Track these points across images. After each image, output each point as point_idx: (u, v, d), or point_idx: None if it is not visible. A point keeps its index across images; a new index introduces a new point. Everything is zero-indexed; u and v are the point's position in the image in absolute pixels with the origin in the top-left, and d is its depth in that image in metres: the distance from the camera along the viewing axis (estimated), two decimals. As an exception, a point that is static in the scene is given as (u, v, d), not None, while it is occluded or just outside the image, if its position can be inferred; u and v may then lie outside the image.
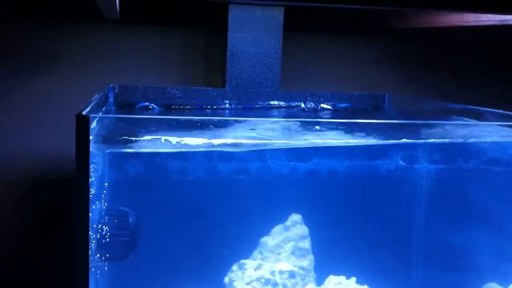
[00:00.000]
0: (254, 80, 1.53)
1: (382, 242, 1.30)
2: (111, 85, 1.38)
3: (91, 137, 0.80)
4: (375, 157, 1.27)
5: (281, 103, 1.53)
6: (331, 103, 1.53)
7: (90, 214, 0.81)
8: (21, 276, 1.54)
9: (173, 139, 0.82)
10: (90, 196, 0.80)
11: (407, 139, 1.13)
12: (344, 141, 1.01)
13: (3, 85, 1.47)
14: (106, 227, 0.91)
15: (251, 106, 1.50)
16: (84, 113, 0.81)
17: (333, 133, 1.12)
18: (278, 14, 1.53)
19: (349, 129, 1.14)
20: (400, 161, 1.27)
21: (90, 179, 0.80)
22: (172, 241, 1.24)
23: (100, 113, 0.86)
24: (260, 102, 1.52)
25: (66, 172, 1.46)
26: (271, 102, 1.53)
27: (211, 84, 1.58)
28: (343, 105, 1.54)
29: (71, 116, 1.54)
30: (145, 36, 1.55)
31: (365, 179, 1.28)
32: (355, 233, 1.30)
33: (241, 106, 1.49)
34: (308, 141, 0.98)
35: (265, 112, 1.48)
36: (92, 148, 0.81)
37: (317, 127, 1.08)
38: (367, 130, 1.16)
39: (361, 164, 1.27)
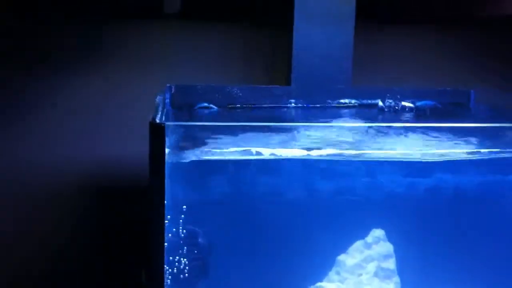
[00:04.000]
0: (323, 76, 1.38)
1: (482, 269, 1.12)
2: (168, 85, 1.25)
3: (167, 150, 0.65)
4: (485, 170, 1.09)
5: (353, 101, 1.37)
6: (410, 101, 1.36)
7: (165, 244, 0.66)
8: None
9: (265, 151, 0.67)
10: (166, 221, 0.66)
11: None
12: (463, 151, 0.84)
13: (52, 83, 1.38)
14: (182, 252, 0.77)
15: (318, 105, 1.34)
16: (158, 120, 0.66)
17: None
18: (349, 1, 1.37)
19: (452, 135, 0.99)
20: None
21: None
22: (243, 262, 1.10)
23: (181, 122, 0.72)
24: (330, 101, 1.37)
25: (123, 178, 1.41)
26: (342, 101, 1.37)
27: (274, 82, 1.45)
28: (423, 102, 1.37)
29: (127, 117, 1.45)
30: (202, 31, 1.44)
31: (467, 194, 1.10)
32: (450, 254, 1.13)
33: (306, 105, 1.34)
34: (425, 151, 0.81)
35: (336, 111, 1.32)
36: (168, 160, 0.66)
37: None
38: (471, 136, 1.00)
39: (464, 177, 1.09)
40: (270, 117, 1.14)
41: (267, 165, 1.03)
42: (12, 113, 1.37)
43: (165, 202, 0.65)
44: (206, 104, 1.31)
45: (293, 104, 1.36)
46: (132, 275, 1.36)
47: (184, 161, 0.69)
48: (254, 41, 1.47)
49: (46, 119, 1.38)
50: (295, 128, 0.81)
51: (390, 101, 1.33)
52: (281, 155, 0.84)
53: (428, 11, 1.50)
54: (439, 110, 1.33)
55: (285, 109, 1.28)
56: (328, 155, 0.84)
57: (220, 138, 0.71)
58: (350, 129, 0.90)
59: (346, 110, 1.32)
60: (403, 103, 1.33)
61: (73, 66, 1.38)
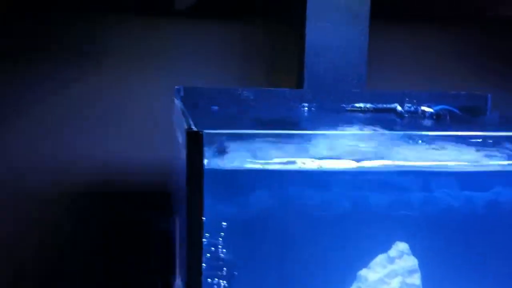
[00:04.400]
0: (336, 79, 1.31)
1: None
2: (176, 87, 1.18)
3: (205, 161, 0.56)
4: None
5: (368, 105, 1.30)
6: (428, 105, 1.30)
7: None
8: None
9: (312, 163, 0.59)
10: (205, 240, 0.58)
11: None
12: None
13: (52, 84, 1.35)
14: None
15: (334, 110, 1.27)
16: (194, 128, 0.57)
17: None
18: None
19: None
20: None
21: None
22: (259, 276, 1.03)
23: (221, 129, 0.63)
24: (344, 105, 1.30)
25: (124, 178, 1.40)
26: (356, 105, 1.30)
27: (284, 84, 1.39)
28: (440, 107, 1.31)
29: (128, 118, 1.38)
30: (206, 29, 1.40)
31: (497, 207, 1.04)
32: (478, 269, 1.07)
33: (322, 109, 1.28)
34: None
35: (357, 116, 1.25)
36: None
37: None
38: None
39: (495, 190, 1.03)
40: (299, 123, 1.06)
41: (289, 177, 0.96)
42: (12, 113, 1.34)
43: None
44: (216, 107, 1.25)
45: (306, 108, 1.30)
46: (132, 275, 1.35)
47: (222, 170, 0.61)
48: (262, 40, 1.43)
49: (46, 119, 1.35)
50: (338, 136, 0.74)
51: (409, 105, 1.27)
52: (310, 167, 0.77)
53: (433, 9, 1.45)
54: (459, 116, 1.27)
55: (306, 114, 1.20)
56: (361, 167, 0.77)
57: (259, 146, 0.64)
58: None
59: (364, 115, 1.25)
60: (422, 107, 1.27)
61: (73, 65, 1.35)
